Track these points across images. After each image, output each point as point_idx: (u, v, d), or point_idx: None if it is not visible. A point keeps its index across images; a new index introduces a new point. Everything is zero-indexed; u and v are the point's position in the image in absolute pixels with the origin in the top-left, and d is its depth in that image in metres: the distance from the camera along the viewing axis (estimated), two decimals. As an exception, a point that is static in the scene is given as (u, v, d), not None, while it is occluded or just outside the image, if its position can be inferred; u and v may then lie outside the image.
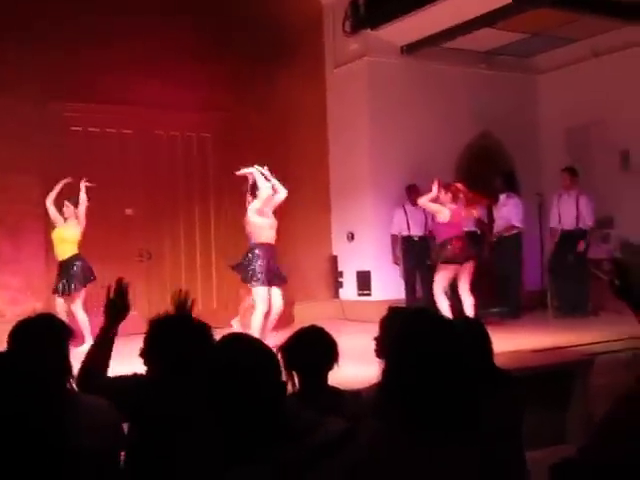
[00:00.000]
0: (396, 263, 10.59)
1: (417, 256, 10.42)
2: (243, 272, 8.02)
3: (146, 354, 3.16)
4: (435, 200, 9.05)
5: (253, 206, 8.06)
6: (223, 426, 2.00)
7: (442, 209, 8.97)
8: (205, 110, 10.38)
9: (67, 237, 8.67)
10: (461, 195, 9.08)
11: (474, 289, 9.68)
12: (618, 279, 2.78)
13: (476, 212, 9.47)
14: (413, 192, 10.44)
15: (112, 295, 3.41)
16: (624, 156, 10.96)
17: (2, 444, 1.49)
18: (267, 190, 8.07)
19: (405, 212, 10.50)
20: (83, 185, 8.75)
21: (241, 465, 1.90)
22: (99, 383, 3.17)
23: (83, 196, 8.73)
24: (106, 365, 3.33)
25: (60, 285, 8.55)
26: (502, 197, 10.63)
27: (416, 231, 10.56)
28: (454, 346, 2.36)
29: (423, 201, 9.16)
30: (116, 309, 3.42)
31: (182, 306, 3.30)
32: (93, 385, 3.12)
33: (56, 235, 8.71)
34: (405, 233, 10.55)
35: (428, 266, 10.31)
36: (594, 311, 10.02)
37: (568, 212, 10.27)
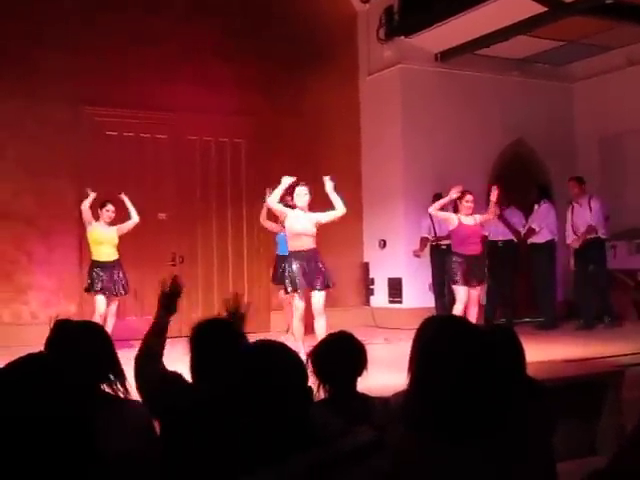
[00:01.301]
0: (416, 255, 10.60)
1: (445, 264, 10.39)
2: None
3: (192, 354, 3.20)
4: (446, 207, 8.93)
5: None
6: (248, 430, 2.01)
7: (451, 216, 8.79)
8: (238, 116, 10.43)
9: (113, 239, 8.73)
10: (466, 204, 8.69)
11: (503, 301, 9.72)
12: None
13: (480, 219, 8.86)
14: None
15: (167, 288, 3.54)
16: (659, 165, 10.86)
17: (31, 445, 1.50)
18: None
19: (432, 220, 10.45)
20: (127, 200, 8.84)
21: (265, 468, 1.91)
22: (154, 368, 3.24)
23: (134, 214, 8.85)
24: (162, 350, 3.39)
25: (113, 286, 8.59)
26: (536, 207, 10.55)
27: (443, 239, 10.53)
28: (484, 353, 2.35)
29: (432, 210, 8.94)
30: (171, 296, 3.53)
31: (235, 312, 3.34)
32: (150, 369, 3.24)
33: (102, 236, 8.66)
34: (433, 241, 10.54)
35: None
36: (619, 322, 9.92)
37: (583, 221, 10.09)
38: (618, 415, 6.15)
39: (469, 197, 8.68)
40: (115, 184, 8.97)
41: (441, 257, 10.39)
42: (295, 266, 7.53)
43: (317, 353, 3.31)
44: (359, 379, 3.42)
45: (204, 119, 10.31)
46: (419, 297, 10.57)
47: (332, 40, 11.17)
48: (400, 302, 10.78)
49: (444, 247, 10.41)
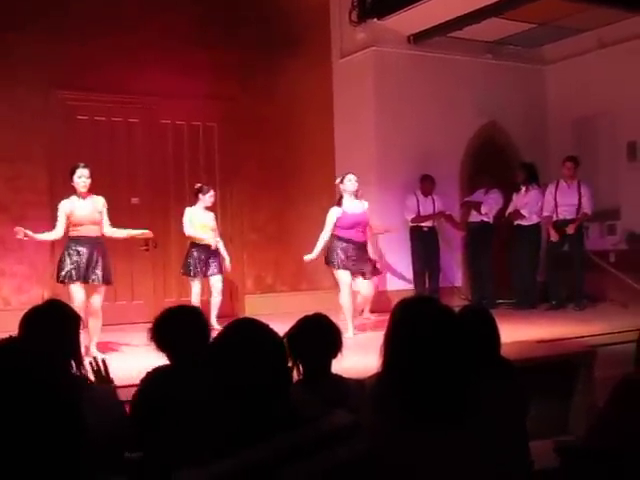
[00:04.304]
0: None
1: (427, 246, 10.46)
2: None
3: (155, 343, 3.20)
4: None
5: None
6: (227, 410, 2.01)
7: (330, 216, 8.30)
8: (211, 99, 10.37)
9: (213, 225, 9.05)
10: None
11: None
12: None
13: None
14: (427, 182, 10.50)
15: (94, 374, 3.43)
16: (631, 147, 10.93)
17: (15, 430, 1.49)
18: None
19: (417, 200, 10.54)
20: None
21: (243, 449, 1.91)
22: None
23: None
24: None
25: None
26: (523, 189, 10.59)
27: (425, 222, 10.60)
28: (457, 335, 2.36)
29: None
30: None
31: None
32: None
33: (202, 222, 8.92)
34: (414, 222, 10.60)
35: (437, 256, 10.44)
36: (592, 303, 10.03)
37: (568, 202, 10.14)
38: (590, 395, 6.21)
39: (350, 177, 8.40)
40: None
41: (422, 238, 10.47)
42: None
43: (292, 334, 3.32)
44: (334, 361, 3.44)
45: (176, 103, 10.24)
46: (393, 280, 10.60)
47: (304, 23, 11.10)
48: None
49: (425, 229, 10.49)
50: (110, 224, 7.65)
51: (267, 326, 2.12)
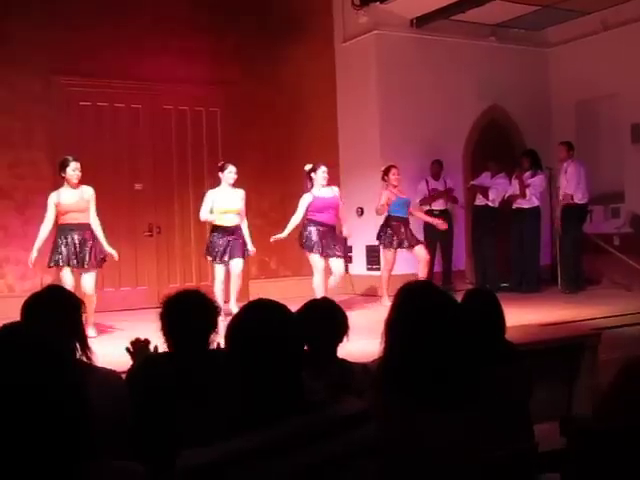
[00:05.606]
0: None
1: (437, 230, 10.45)
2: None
3: (162, 330, 3.20)
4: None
5: None
6: (241, 393, 2.00)
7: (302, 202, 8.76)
8: (214, 84, 10.35)
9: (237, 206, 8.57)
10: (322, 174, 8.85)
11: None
12: None
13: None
14: (435, 166, 10.51)
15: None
16: (635, 129, 10.90)
17: (21, 413, 1.50)
18: None
19: (428, 185, 10.54)
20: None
21: (251, 431, 1.91)
22: None
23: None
24: None
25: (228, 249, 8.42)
26: (527, 174, 10.57)
27: (437, 205, 10.60)
28: (454, 318, 2.36)
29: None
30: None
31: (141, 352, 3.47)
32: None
33: (226, 203, 8.42)
34: (426, 207, 10.57)
35: (449, 240, 10.43)
36: (596, 286, 10.05)
37: (562, 187, 10.27)
38: (595, 377, 6.23)
39: (324, 169, 8.82)
40: (90, 155, 8.87)
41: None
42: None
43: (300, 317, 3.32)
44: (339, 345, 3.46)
45: (179, 88, 10.22)
46: (397, 264, 10.58)
47: (307, 7, 11.07)
48: (378, 269, 10.78)
49: (437, 212, 10.48)
50: (97, 216, 7.78)
51: (286, 308, 2.11)
